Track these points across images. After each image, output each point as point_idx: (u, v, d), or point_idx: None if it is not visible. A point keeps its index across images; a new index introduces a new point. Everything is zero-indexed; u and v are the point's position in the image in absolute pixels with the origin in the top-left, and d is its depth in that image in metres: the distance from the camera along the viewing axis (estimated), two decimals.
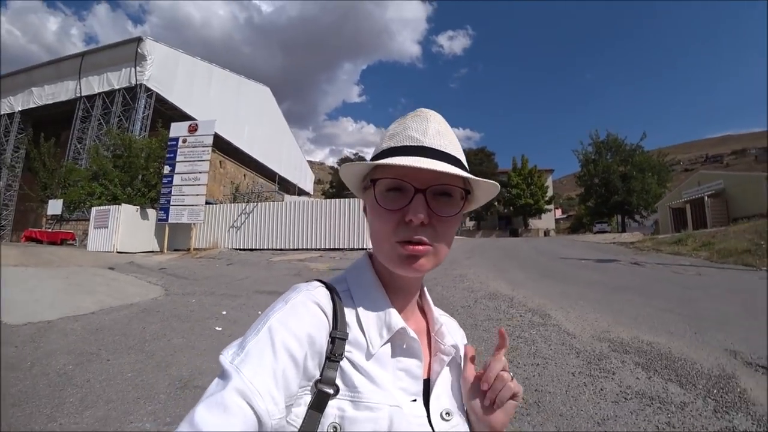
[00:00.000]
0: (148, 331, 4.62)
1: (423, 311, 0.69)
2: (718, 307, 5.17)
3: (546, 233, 45.68)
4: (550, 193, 47.43)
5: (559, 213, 73.59)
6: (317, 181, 62.46)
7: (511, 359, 3.54)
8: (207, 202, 16.86)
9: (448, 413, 0.58)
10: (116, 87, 23.06)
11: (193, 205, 15.93)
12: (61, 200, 19.13)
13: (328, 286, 0.58)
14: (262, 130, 35.62)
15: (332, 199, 16.13)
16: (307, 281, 0.59)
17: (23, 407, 2.76)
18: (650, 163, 35.65)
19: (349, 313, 0.57)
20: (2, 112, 27.24)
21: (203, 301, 6.44)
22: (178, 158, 16.30)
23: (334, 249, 14.29)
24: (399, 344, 0.57)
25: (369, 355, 0.54)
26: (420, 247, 0.55)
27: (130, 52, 22.64)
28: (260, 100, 36.94)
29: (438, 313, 0.69)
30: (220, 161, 26.17)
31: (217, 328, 4.78)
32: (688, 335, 4.00)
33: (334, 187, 50.79)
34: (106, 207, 16.44)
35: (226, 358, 0.47)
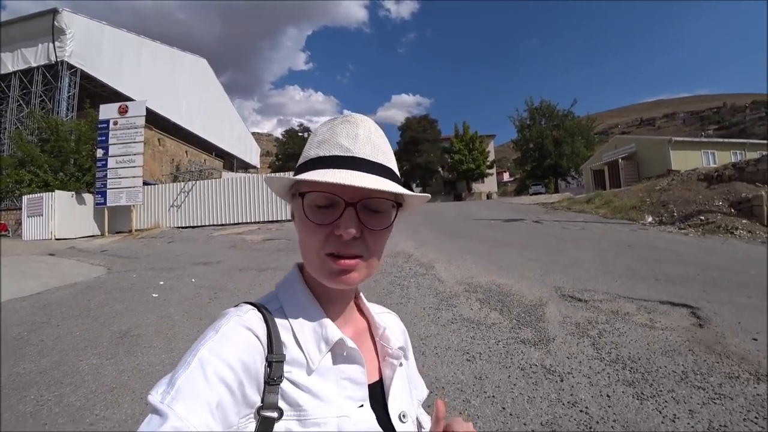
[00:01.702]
0: (92, 302, 5.36)
1: (362, 312, 0.69)
2: (576, 255, 6.59)
3: (488, 196, 48.22)
4: (492, 157, 49.84)
5: (507, 176, 77.27)
6: (265, 154, 61.27)
7: (382, 299, 4.67)
8: (145, 183, 16.87)
9: (404, 415, 0.60)
10: (34, 65, 21.68)
11: (130, 187, 15.94)
12: None
13: (260, 308, 0.56)
14: (201, 104, 34.61)
15: (268, 175, 16.76)
16: (236, 305, 0.57)
17: None
18: (580, 127, 38.44)
19: (284, 332, 0.55)
20: None
21: (143, 275, 7.13)
22: (110, 141, 16.06)
23: (272, 221, 15.02)
24: (339, 354, 0.57)
25: (310, 371, 0.53)
26: (351, 261, 0.54)
27: (45, 25, 21.17)
28: (197, 72, 35.67)
29: (377, 311, 0.70)
30: (158, 139, 25.49)
31: (154, 295, 5.58)
32: (535, 278, 5.26)
33: (280, 159, 50.44)
34: (39, 195, 16.03)
35: (156, 397, 0.44)
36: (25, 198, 16.20)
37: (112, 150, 16.05)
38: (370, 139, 0.57)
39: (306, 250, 0.57)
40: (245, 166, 46.22)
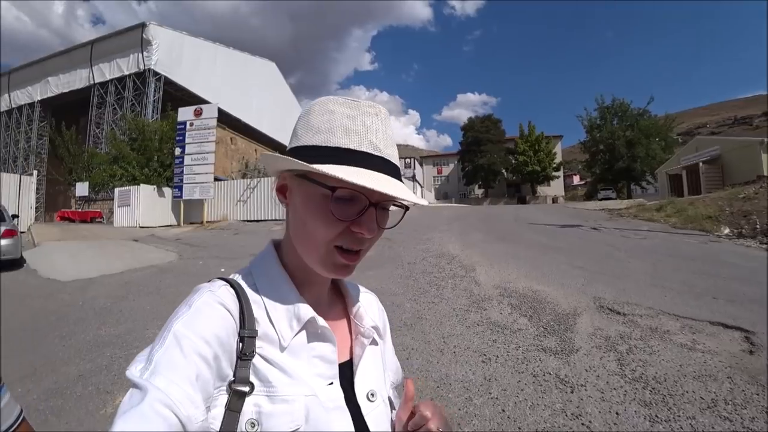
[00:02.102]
0: (163, 283, 6.13)
1: (339, 291, 0.70)
2: (627, 265, 6.29)
3: (554, 200, 46.21)
4: (558, 159, 47.64)
5: (577, 179, 73.36)
6: None
7: (416, 298, 4.83)
8: (216, 179, 18.33)
9: (372, 394, 0.60)
10: (126, 73, 24.37)
11: (203, 183, 17.41)
12: (87, 183, 20.92)
13: (233, 284, 0.56)
14: (270, 104, 36.65)
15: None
16: (209, 281, 0.57)
17: (79, 326, 4.28)
18: (656, 127, 35.55)
19: (257, 309, 0.56)
20: (23, 102, 29.03)
21: (208, 262, 7.91)
22: (187, 140, 17.68)
23: None
24: (312, 332, 0.57)
25: (281, 348, 0.54)
26: (355, 255, 0.55)
27: (135, 38, 23.78)
28: (266, 75, 37.76)
29: (355, 293, 0.70)
30: (231, 138, 27.49)
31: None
32: (576, 286, 5.12)
33: None
34: (127, 188, 18.11)
35: (135, 373, 0.45)
36: (116, 190, 18.34)
37: (188, 148, 17.65)
38: (392, 138, 0.57)
39: (311, 238, 0.55)
40: None
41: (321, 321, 0.57)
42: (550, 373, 2.87)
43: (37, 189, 19.50)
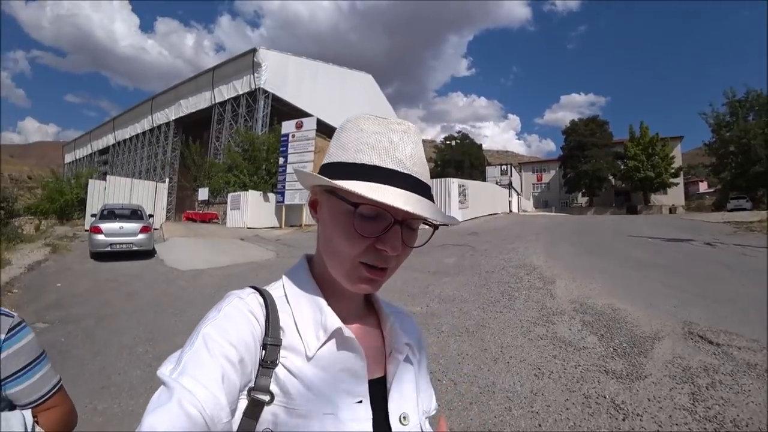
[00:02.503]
0: (259, 277, 7.07)
1: (373, 307, 0.68)
2: (737, 289, 5.50)
3: (672, 210, 40.80)
4: (677, 163, 42.04)
5: (704, 186, 64.20)
6: (428, 160, 63.97)
7: (485, 306, 4.82)
8: None
9: (405, 417, 0.58)
10: (240, 92, 27.60)
11: (303, 189, 18.96)
12: (207, 188, 24.16)
13: (262, 292, 0.57)
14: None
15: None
16: (241, 288, 0.58)
17: (189, 307, 5.19)
18: None
19: (284, 318, 0.56)
20: (161, 122, 34.48)
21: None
22: (289, 150, 19.53)
23: None
24: (339, 344, 0.56)
25: (307, 359, 0.53)
26: (380, 272, 0.55)
27: (248, 62, 26.84)
28: (364, 87, 39.64)
29: (389, 310, 0.68)
30: None
31: None
32: (665, 308, 4.64)
33: (438, 166, 51.80)
34: (238, 193, 20.64)
35: (164, 372, 0.47)
36: (229, 195, 20.97)
37: (290, 158, 19.45)
38: (421, 156, 0.57)
39: (337, 253, 0.56)
40: None
41: (347, 332, 0.56)
42: (604, 397, 2.74)
43: (169, 193, 23.07)
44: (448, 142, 53.73)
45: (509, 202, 27.31)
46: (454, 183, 15.68)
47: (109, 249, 9.59)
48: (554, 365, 3.26)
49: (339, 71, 35.81)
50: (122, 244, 9.73)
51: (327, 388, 0.53)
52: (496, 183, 30.85)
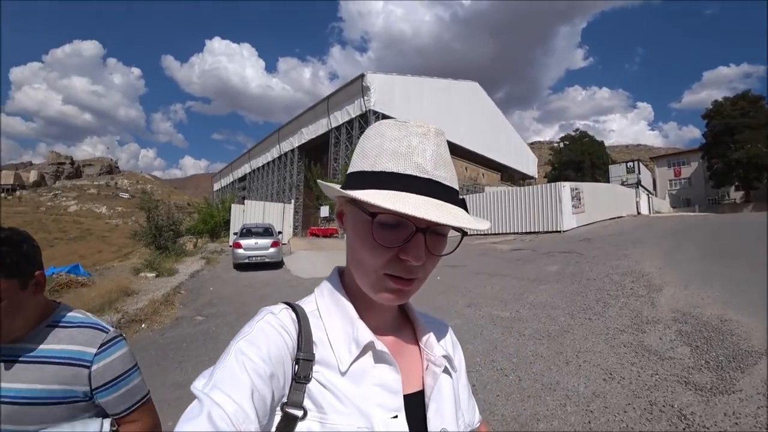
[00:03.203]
0: None
1: (409, 320, 0.67)
2: None
3: None
4: None
5: None
6: (547, 162, 59.64)
7: (574, 313, 4.71)
8: None
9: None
10: (353, 116, 29.92)
11: None
12: (327, 206, 26.68)
13: (294, 308, 0.58)
14: (476, 122, 38.25)
15: (524, 187, 17.06)
16: (273, 304, 0.59)
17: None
18: None
19: (316, 332, 0.56)
20: (287, 150, 39.18)
21: None
22: None
23: (529, 233, 15.32)
24: (373, 359, 0.55)
25: (340, 373, 0.53)
26: (407, 283, 0.53)
27: (357, 87, 29.04)
28: (471, 95, 39.55)
29: (426, 321, 0.67)
30: None
31: None
32: None
33: (555, 168, 48.08)
34: None
35: (198, 386, 0.47)
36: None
37: None
38: (445, 159, 0.54)
39: (360, 264, 0.55)
40: (523, 177, 47.58)
41: (380, 345, 0.55)
42: (672, 406, 2.66)
43: (296, 212, 26.07)
44: (564, 143, 49.64)
45: (636, 203, 24.28)
46: (565, 187, 14.72)
47: (247, 261, 11.44)
48: (628, 372, 3.19)
49: (444, 83, 36.34)
50: (257, 256, 11.52)
51: (361, 402, 0.52)
52: (622, 183, 27.79)
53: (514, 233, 15.73)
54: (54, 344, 0.90)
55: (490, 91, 43.48)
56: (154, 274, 9.96)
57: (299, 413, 0.49)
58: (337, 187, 0.54)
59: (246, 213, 18.87)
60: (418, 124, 0.54)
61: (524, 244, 12.40)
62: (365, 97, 28.72)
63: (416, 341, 0.64)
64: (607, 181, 30.50)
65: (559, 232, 13.94)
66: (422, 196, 0.51)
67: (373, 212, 0.51)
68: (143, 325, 6.01)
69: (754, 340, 3.61)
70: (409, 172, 0.52)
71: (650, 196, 30.06)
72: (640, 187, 27.73)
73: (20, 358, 0.87)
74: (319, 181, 0.64)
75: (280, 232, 13.97)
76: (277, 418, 0.49)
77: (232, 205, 20.27)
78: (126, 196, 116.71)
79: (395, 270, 0.52)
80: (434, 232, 0.53)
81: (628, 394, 2.84)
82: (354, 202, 0.54)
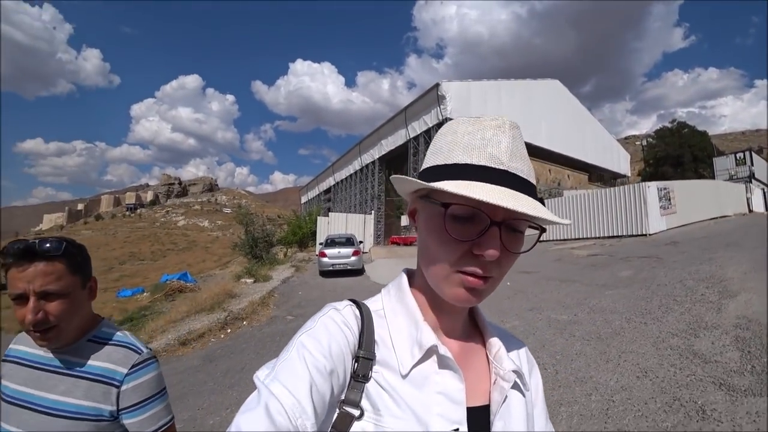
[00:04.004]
0: None
1: (479, 331, 0.65)
2: None
3: None
4: None
5: None
6: (641, 159, 54.17)
7: (631, 317, 4.79)
8: None
9: None
10: (430, 125, 30.53)
11: None
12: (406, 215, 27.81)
13: (359, 305, 0.58)
14: (558, 122, 36.69)
15: (606, 189, 16.16)
16: (339, 301, 0.59)
17: None
18: None
19: (380, 332, 0.55)
20: (368, 162, 40.93)
21: None
22: None
23: (611, 237, 14.57)
24: (436, 364, 0.53)
25: (400, 376, 0.52)
26: (480, 281, 0.50)
27: (433, 96, 29.55)
28: (551, 94, 38.01)
29: (498, 334, 0.64)
30: None
31: None
32: None
33: (650, 165, 43.48)
34: None
35: (260, 376, 0.49)
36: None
37: None
38: (521, 152, 0.53)
39: (432, 261, 0.53)
40: (614, 176, 44.27)
41: (444, 350, 0.53)
42: (696, 403, 2.83)
43: (378, 221, 27.29)
44: (652, 138, 44.58)
45: (747, 199, 21.31)
46: (650, 187, 13.70)
47: (331, 268, 12.61)
48: (665, 372, 3.37)
49: (523, 84, 35.41)
50: (340, 264, 12.64)
51: (420, 409, 0.50)
52: (730, 177, 24.67)
53: (595, 238, 15.08)
54: (91, 360, 0.94)
55: (576, 86, 41.85)
56: (252, 280, 11.56)
57: (356, 412, 0.49)
58: (410, 178, 0.53)
59: (330, 224, 20.49)
60: (492, 118, 0.53)
61: (603, 249, 11.96)
62: (441, 106, 29.17)
63: (485, 353, 0.62)
64: (712, 175, 27.28)
65: (645, 235, 13.11)
66: (497, 186, 0.49)
67: (445, 204, 0.50)
68: (244, 322, 7.21)
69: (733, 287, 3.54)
70: (483, 162, 0.50)
71: (765, 190, 26.24)
72: (753, 180, 24.41)
73: (58, 369, 0.92)
74: (392, 176, 0.59)
75: (361, 242, 15.05)
76: (335, 415, 0.49)
77: (318, 218, 22.23)
78: (228, 211, 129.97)
79: (469, 266, 0.50)
80: (510, 227, 0.51)
81: (656, 389, 3.06)
82: (426, 197, 0.54)
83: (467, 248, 0.50)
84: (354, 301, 0.59)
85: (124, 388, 0.92)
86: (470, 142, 0.51)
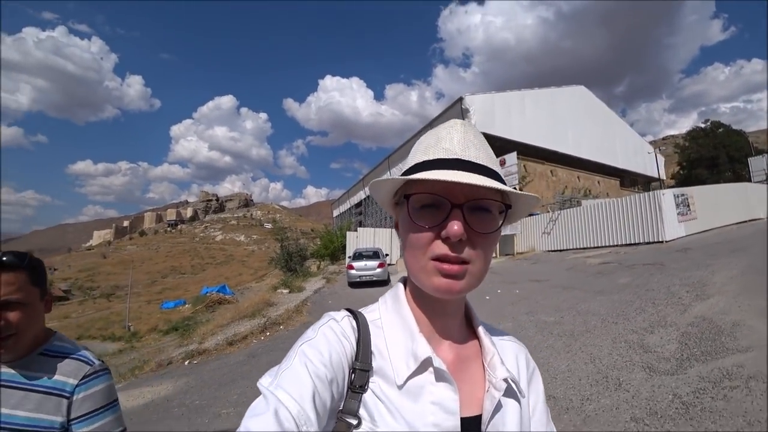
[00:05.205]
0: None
1: (477, 337, 0.65)
2: None
3: None
4: None
5: None
6: (676, 162, 52.30)
7: (606, 318, 5.54)
8: (530, 214, 21.29)
9: None
10: None
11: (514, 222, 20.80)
12: None
13: (356, 316, 0.59)
14: (586, 128, 36.69)
15: (621, 198, 16.41)
16: (337, 311, 0.60)
17: None
18: None
19: (376, 343, 0.57)
20: (396, 175, 42.34)
21: (497, 285, 10.27)
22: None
23: (628, 245, 14.91)
24: (431, 375, 0.55)
25: (396, 386, 0.54)
26: (457, 267, 0.52)
27: (457, 110, 30.40)
28: (577, 100, 38.01)
29: (494, 339, 0.65)
30: (551, 171, 30.13)
31: (486, 297, 8.63)
32: None
33: (684, 167, 42.15)
34: None
35: (264, 383, 0.50)
36: None
37: None
38: (474, 143, 0.57)
39: (411, 255, 0.56)
40: (648, 180, 43.37)
41: (438, 362, 0.54)
42: (618, 378, 3.69)
43: None
44: (684, 140, 43.06)
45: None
46: (666, 194, 13.94)
47: (358, 279, 13.71)
48: (609, 358, 4.21)
49: (548, 92, 35.68)
50: (366, 276, 13.73)
51: (415, 419, 0.52)
52: (767, 176, 24.07)
53: (612, 246, 15.46)
54: (42, 373, 0.95)
55: (609, 87, 42.53)
56: (287, 290, 12.88)
57: (354, 421, 0.51)
58: (376, 180, 0.57)
59: (359, 239, 21.73)
60: (449, 122, 0.59)
61: (616, 258, 12.40)
62: (466, 119, 29.92)
63: (482, 360, 0.63)
64: (749, 176, 26.59)
65: (662, 242, 13.44)
66: (450, 170, 0.53)
67: (407, 195, 0.56)
68: (281, 327, 8.41)
69: (742, 340, 4.22)
70: (438, 156, 0.55)
71: None
72: None
73: (9, 383, 0.93)
74: (371, 182, 0.61)
75: (387, 254, 16.10)
76: (333, 423, 0.51)
77: (348, 233, 23.64)
78: (269, 226, 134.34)
79: (440, 250, 0.53)
80: (475, 207, 0.54)
81: (594, 371, 3.92)
82: (399, 203, 0.61)
83: (435, 234, 0.53)
84: (351, 312, 0.61)
85: (74, 398, 0.94)
86: (428, 143, 0.58)
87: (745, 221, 16.90)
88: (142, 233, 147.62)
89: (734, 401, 3.04)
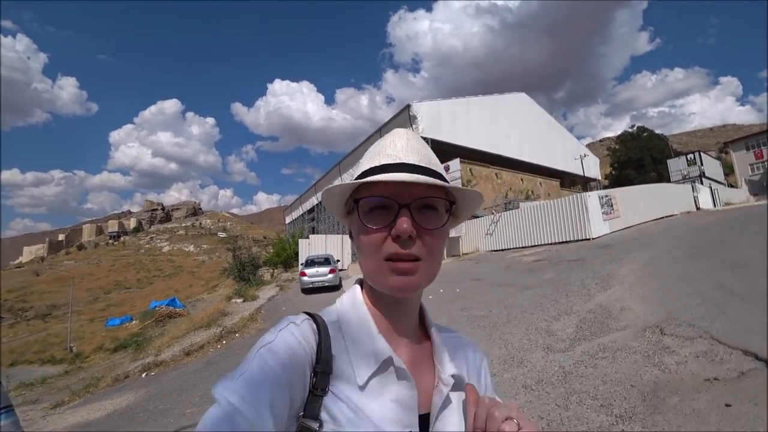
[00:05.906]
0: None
1: (429, 337, 0.68)
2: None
3: None
4: None
5: None
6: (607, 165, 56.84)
7: (526, 309, 6.40)
8: (473, 216, 22.23)
9: None
10: None
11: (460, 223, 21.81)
12: None
13: (316, 319, 0.59)
14: (527, 132, 39.07)
15: (553, 200, 17.91)
16: (296, 314, 0.60)
17: None
18: None
19: (336, 346, 0.57)
20: (348, 180, 42.35)
21: (440, 285, 10.77)
22: None
23: (560, 243, 16.30)
24: (390, 374, 0.57)
25: (357, 387, 0.55)
26: (409, 264, 0.55)
27: (405, 117, 31.49)
28: (519, 106, 40.43)
29: (443, 337, 0.68)
30: (495, 173, 31.75)
31: (429, 297, 9.29)
32: (687, 317, 5.42)
33: (615, 168, 46.02)
34: None
35: (217, 389, 0.49)
36: None
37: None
38: (417, 149, 0.61)
39: (365, 257, 0.58)
40: (585, 181, 46.60)
41: (398, 362, 0.56)
42: (522, 358, 4.46)
43: None
44: (621, 141, 47.34)
45: (695, 198, 23.48)
46: (591, 196, 15.54)
47: (311, 286, 14.11)
48: (519, 343, 4.98)
49: (491, 99, 37.66)
50: (318, 282, 14.14)
51: (377, 417, 0.53)
52: (683, 177, 26.97)
53: (547, 244, 16.82)
54: None
55: (552, 93, 45.25)
56: (241, 300, 13.06)
57: (315, 425, 0.51)
58: (325, 189, 0.61)
59: (311, 245, 22.13)
60: (391, 132, 0.64)
61: (548, 255, 13.57)
62: (413, 126, 30.99)
63: (432, 359, 0.65)
64: (668, 176, 29.62)
65: (589, 239, 14.86)
66: (391, 173, 0.56)
67: (357, 199, 0.59)
68: (237, 335, 8.71)
69: (623, 320, 5.16)
70: (383, 162, 0.59)
71: (713, 188, 28.50)
72: (703, 179, 26.67)
73: None
74: (323, 190, 0.65)
75: (338, 260, 16.55)
76: (293, 428, 0.51)
77: (300, 240, 23.97)
78: (223, 234, 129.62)
79: (391, 249, 0.55)
80: (422, 206, 0.57)
81: (504, 353, 4.67)
82: (350, 212, 0.63)
83: (386, 234, 0.56)
84: (310, 315, 0.61)
85: None
86: (374, 152, 0.63)
87: (662, 218, 18.97)
88: (80, 247, 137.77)
89: (600, 368, 3.88)
